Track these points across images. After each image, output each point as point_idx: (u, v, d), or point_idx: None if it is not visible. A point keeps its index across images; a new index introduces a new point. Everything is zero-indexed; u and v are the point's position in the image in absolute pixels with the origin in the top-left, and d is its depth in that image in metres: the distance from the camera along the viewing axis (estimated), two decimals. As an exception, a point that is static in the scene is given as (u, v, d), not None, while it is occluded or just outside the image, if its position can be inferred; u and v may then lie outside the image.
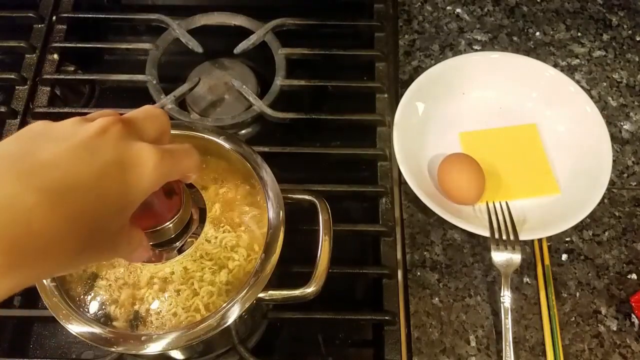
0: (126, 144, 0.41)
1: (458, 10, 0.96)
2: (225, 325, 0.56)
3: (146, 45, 0.88)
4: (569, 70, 0.90)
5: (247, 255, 0.65)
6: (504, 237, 0.72)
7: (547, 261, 0.75)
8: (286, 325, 0.74)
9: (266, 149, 0.77)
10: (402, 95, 0.82)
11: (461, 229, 0.73)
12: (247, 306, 0.56)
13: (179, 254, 0.61)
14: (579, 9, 0.96)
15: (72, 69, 0.91)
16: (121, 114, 0.45)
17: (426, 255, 0.76)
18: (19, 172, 0.36)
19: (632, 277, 0.74)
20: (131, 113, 0.45)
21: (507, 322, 0.68)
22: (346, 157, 0.83)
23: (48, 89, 0.86)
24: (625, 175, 0.82)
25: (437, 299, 0.73)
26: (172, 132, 0.66)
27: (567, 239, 0.77)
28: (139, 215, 0.43)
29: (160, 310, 0.62)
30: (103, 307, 0.63)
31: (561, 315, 0.72)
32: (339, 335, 0.74)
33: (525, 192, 0.78)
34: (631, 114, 0.86)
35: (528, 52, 0.91)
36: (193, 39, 0.88)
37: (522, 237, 0.72)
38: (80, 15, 0.93)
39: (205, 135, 0.66)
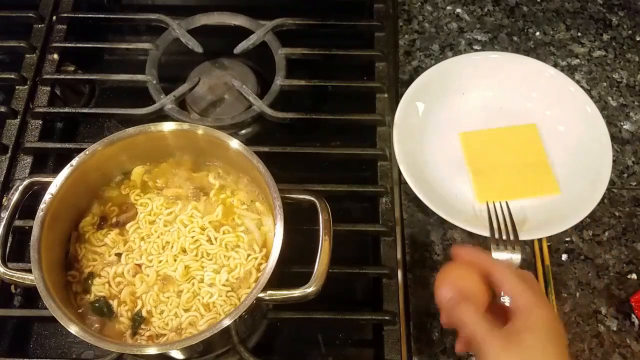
0: None
1: (458, 10, 0.96)
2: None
3: (146, 45, 0.88)
4: (569, 70, 0.90)
5: (247, 255, 0.65)
6: (504, 237, 0.72)
7: (547, 261, 0.75)
8: (286, 325, 0.74)
9: (266, 149, 0.77)
10: (402, 95, 0.82)
11: (461, 229, 0.73)
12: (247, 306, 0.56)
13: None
14: (579, 9, 0.96)
15: (72, 68, 0.91)
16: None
17: (426, 255, 0.75)
18: None
19: (632, 277, 0.74)
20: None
21: (507, 322, 0.68)
22: (346, 157, 0.83)
23: (48, 88, 0.86)
24: (625, 175, 0.82)
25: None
26: (175, 128, 0.67)
27: (567, 239, 0.77)
28: None
29: (163, 310, 0.63)
30: (105, 303, 0.63)
31: (561, 315, 0.72)
32: (339, 335, 0.74)
33: (525, 192, 0.78)
34: (631, 113, 0.86)
35: (528, 52, 0.91)
36: (193, 38, 0.88)
37: (522, 237, 0.72)
38: (80, 15, 0.93)
39: (207, 136, 0.67)
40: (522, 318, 0.53)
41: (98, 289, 0.63)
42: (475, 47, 0.92)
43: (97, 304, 0.62)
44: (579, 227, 0.77)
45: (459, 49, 0.92)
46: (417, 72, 0.88)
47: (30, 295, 0.74)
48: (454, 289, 0.58)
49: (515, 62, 0.85)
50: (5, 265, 0.61)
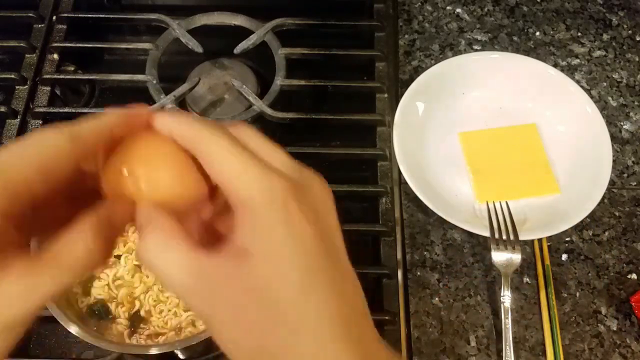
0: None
1: (458, 10, 0.96)
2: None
3: (146, 45, 0.88)
4: (569, 70, 0.90)
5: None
6: (504, 237, 0.72)
7: (547, 261, 0.75)
8: (286, 325, 0.74)
9: (266, 149, 0.77)
10: (402, 95, 0.82)
11: (461, 228, 0.73)
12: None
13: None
14: (579, 8, 0.96)
15: (72, 68, 0.91)
16: None
17: (426, 255, 0.76)
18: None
19: (632, 277, 0.74)
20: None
21: (507, 322, 0.68)
22: (346, 157, 0.83)
23: (48, 88, 0.86)
24: (625, 175, 0.82)
25: (437, 298, 0.73)
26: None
27: (567, 239, 0.77)
28: None
29: (162, 310, 0.63)
30: (102, 306, 0.63)
31: (561, 315, 0.72)
32: (339, 335, 0.74)
33: (525, 192, 0.78)
34: (631, 113, 0.86)
35: (528, 52, 0.91)
36: (193, 38, 0.88)
37: (522, 237, 0.72)
38: (80, 15, 0.93)
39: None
40: (246, 227, 0.30)
41: (97, 291, 0.63)
42: (475, 47, 0.92)
43: (95, 309, 0.62)
44: (579, 227, 0.77)
45: (459, 49, 0.92)
46: (417, 72, 0.88)
47: (30, 296, 0.73)
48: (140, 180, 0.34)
49: (515, 62, 0.85)
50: (5, 265, 0.61)
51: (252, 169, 0.31)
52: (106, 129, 0.34)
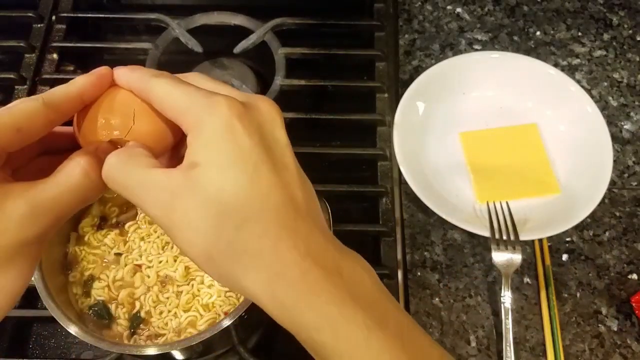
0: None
1: (458, 9, 0.96)
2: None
3: (146, 45, 0.88)
4: (570, 70, 0.89)
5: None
6: (505, 237, 0.72)
7: (547, 261, 0.75)
8: (286, 325, 0.74)
9: (266, 149, 0.77)
10: (402, 95, 0.82)
11: (461, 229, 0.73)
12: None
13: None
14: (580, 8, 0.96)
15: (72, 68, 0.91)
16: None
17: (426, 256, 0.75)
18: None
19: (633, 277, 0.74)
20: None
21: (508, 323, 0.68)
22: (346, 157, 0.83)
23: (48, 88, 0.86)
24: (626, 175, 0.81)
25: (437, 299, 0.73)
26: None
27: (567, 239, 0.77)
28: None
29: (162, 311, 0.62)
30: (103, 307, 0.63)
31: (562, 316, 0.72)
32: (339, 336, 0.74)
33: (526, 192, 0.78)
34: (632, 113, 0.86)
35: (528, 52, 0.91)
36: (193, 38, 0.88)
37: (522, 237, 0.72)
38: (79, 15, 0.93)
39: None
40: (195, 144, 0.34)
41: (98, 292, 0.63)
42: (476, 46, 0.92)
43: (96, 309, 0.62)
44: (580, 227, 0.77)
45: (459, 48, 0.92)
46: (417, 71, 0.88)
47: (29, 296, 0.73)
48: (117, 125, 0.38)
49: (515, 62, 0.85)
50: (4, 265, 0.61)
51: (197, 98, 0.35)
52: (76, 93, 0.38)
